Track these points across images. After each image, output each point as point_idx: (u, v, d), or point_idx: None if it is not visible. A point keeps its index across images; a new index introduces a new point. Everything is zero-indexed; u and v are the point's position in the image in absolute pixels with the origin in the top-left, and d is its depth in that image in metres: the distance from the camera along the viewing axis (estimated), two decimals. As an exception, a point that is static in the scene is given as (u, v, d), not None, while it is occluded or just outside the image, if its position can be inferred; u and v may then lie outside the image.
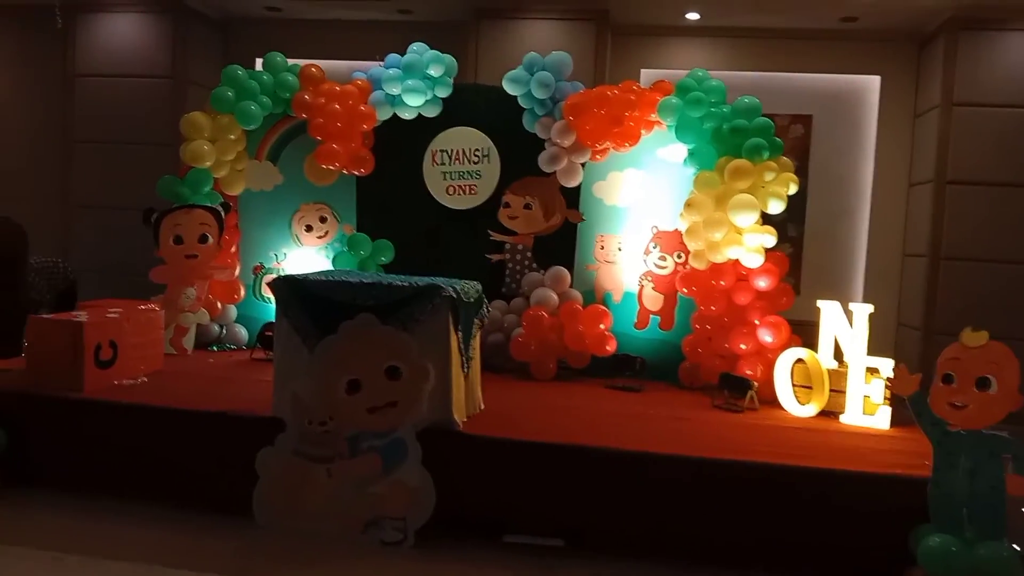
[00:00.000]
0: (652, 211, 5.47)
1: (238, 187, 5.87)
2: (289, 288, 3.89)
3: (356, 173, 5.69)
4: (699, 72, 5.28)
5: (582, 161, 5.44)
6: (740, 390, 4.69)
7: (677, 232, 5.39)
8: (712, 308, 5.09)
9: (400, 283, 3.84)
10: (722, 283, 5.06)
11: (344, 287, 3.81)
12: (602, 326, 5.23)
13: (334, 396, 3.63)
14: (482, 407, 4.26)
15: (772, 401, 4.69)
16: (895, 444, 4.05)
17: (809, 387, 4.60)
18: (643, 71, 6.95)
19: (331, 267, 5.67)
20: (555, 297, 5.38)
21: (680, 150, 5.32)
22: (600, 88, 5.28)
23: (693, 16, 6.65)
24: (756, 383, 4.70)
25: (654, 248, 5.47)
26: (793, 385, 4.65)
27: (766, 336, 4.89)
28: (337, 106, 5.46)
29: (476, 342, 4.26)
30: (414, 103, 5.51)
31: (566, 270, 5.48)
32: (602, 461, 3.62)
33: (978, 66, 6.13)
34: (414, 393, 3.62)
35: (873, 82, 6.89)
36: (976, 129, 6.14)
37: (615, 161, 5.48)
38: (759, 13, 6.48)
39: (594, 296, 5.55)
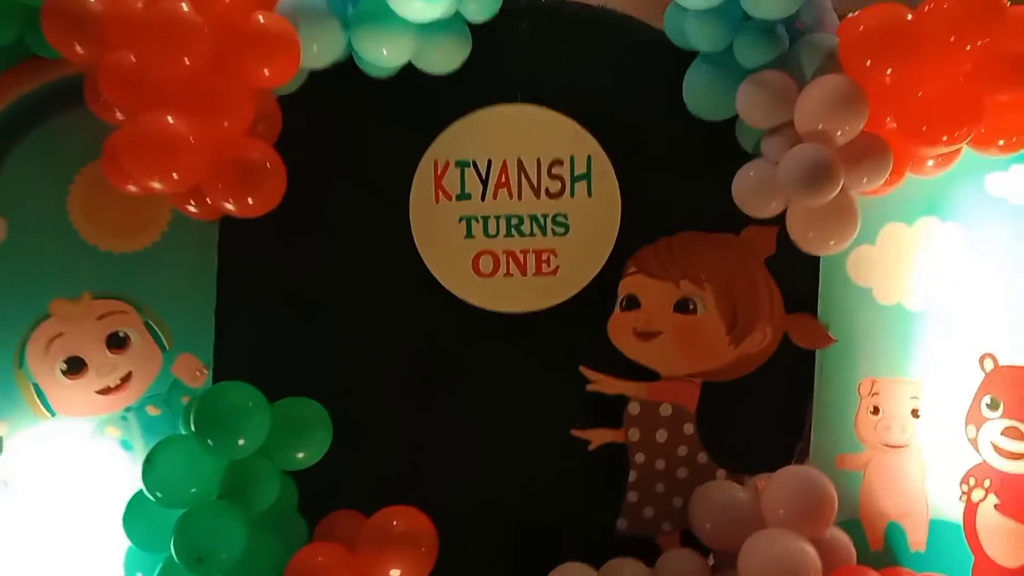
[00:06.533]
0: (980, 319, 2.28)
1: None
2: None
3: (230, 209, 2.00)
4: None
5: (867, 190, 2.09)
6: None
7: (1046, 369, 2.25)
8: None
9: None
10: None
11: None
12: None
13: None
14: None
15: None
16: None
17: None
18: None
19: (140, 483, 1.90)
20: (811, 552, 1.95)
21: (1026, 177, 2.27)
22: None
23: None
24: None
25: (990, 407, 2.26)
26: None
27: None
28: (187, 7, 1.84)
29: None
30: (422, 15, 1.94)
31: (817, 473, 2.08)
32: None
33: None
34: None
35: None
36: None
37: (899, 202, 2.26)
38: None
39: (862, 533, 2.20)
